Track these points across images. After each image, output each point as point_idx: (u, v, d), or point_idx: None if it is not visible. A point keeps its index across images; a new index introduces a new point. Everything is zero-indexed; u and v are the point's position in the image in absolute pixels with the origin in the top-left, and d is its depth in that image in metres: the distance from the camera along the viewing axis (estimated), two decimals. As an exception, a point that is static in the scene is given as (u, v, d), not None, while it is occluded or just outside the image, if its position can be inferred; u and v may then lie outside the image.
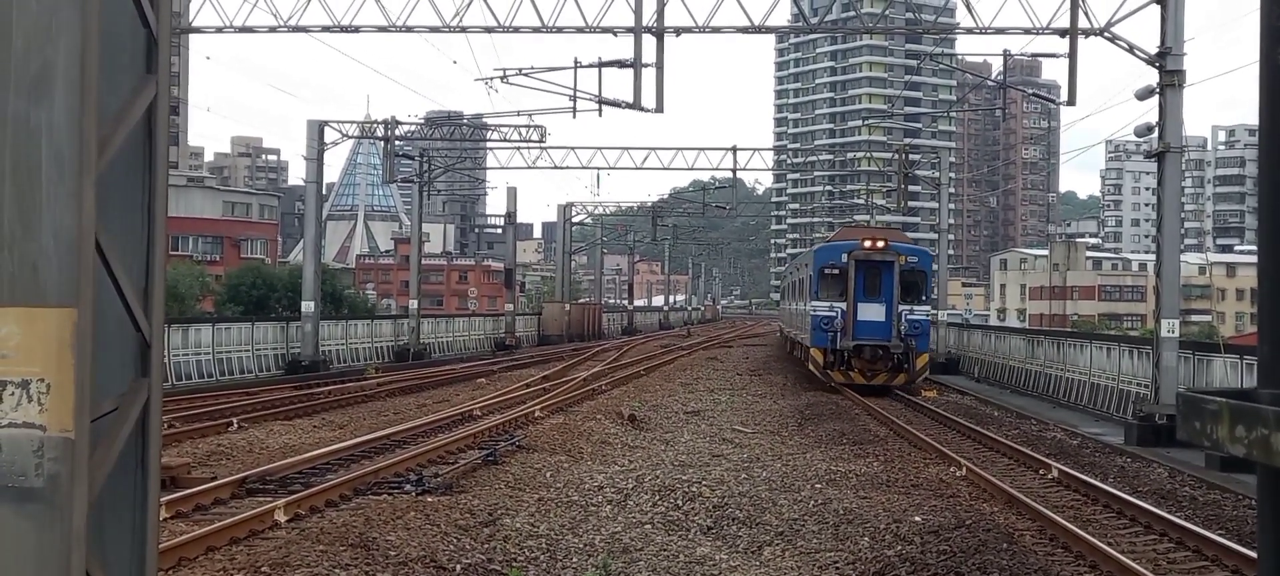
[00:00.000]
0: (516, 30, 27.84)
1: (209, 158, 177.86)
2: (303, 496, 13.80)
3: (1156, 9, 23.21)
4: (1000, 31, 27.47)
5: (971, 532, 12.47)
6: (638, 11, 26.41)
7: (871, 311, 32.52)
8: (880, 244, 33.28)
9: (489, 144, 55.38)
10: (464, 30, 27.99)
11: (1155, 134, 23.96)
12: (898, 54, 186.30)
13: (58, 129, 3.49)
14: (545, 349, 57.90)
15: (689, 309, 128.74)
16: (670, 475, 16.51)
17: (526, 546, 11.89)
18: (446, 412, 24.50)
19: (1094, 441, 22.63)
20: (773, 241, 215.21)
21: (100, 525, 3.74)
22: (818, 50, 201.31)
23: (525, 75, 30.38)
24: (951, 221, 56.84)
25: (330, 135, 41.79)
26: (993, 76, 48.81)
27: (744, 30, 27.65)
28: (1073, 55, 25.54)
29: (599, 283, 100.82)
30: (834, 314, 32.54)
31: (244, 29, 28.83)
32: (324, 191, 50.63)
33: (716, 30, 27.33)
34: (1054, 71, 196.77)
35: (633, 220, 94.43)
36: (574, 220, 78.36)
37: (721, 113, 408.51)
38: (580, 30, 27.16)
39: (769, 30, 29.54)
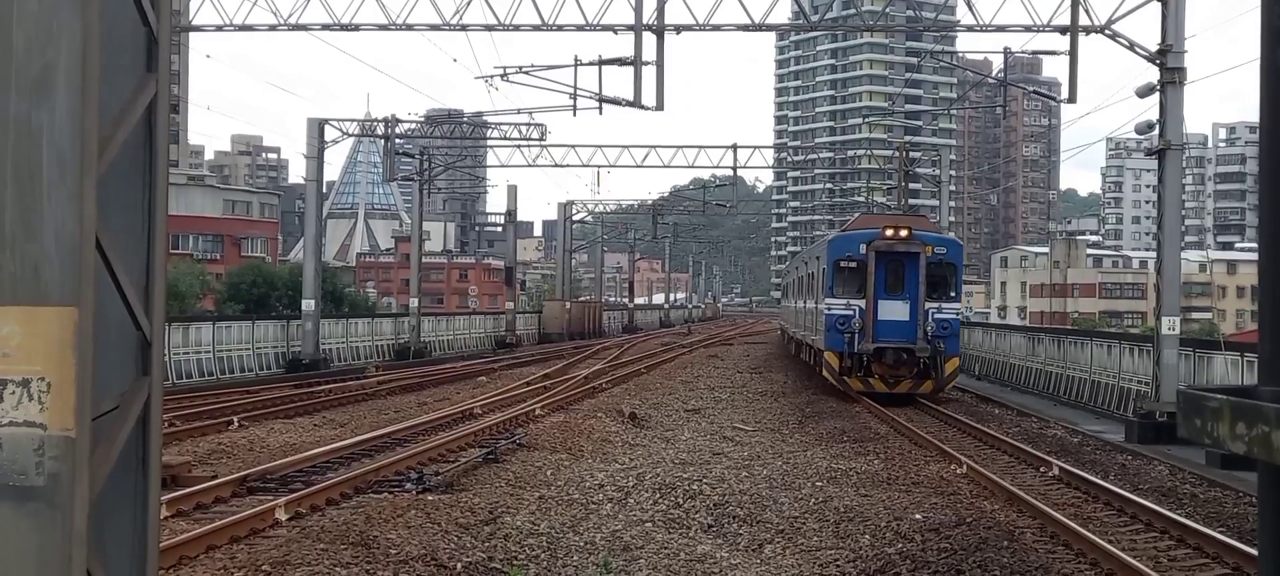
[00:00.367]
0: (517, 28, 27.88)
1: (209, 156, 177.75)
2: (303, 495, 13.81)
3: (1157, 6, 23.18)
4: (1001, 29, 27.37)
5: (972, 530, 12.48)
6: (638, 9, 26.41)
7: (894, 310, 28.48)
8: (903, 232, 28.80)
9: (489, 142, 55.36)
10: (464, 28, 28.03)
11: (1156, 131, 23.93)
12: (898, 51, 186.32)
13: (59, 129, 3.49)
14: (546, 347, 57.88)
15: (689, 307, 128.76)
16: (671, 473, 16.50)
17: (527, 544, 11.88)
18: (447, 411, 24.49)
19: (1095, 439, 22.63)
20: (773, 239, 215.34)
21: (101, 524, 3.74)
22: (818, 48, 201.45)
23: (525, 73, 30.35)
24: (952, 219, 56.79)
25: (330, 133, 41.85)
26: (993, 74, 48.80)
27: (744, 28, 27.64)
28: (1073, 52, 25.52)
29: (599, 281, 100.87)
30: (851, 312, 28.50)
31: (244, 27, 28.85)
32: (324, 190, 50.69)
33: (717, 28, 27.30)
34: (1055, 69, 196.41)
35: (633, 218, 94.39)
36: (574, 218, 78.36)
37: (722, 110, 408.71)
38: (581, 28, 27.16)
39: (769, 28, 29.54)
